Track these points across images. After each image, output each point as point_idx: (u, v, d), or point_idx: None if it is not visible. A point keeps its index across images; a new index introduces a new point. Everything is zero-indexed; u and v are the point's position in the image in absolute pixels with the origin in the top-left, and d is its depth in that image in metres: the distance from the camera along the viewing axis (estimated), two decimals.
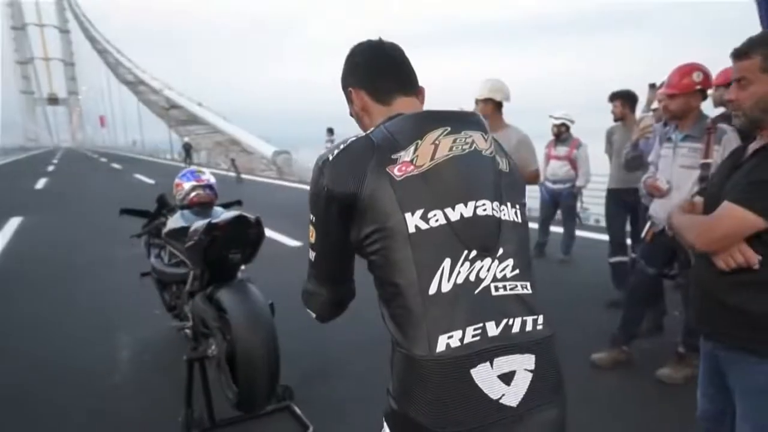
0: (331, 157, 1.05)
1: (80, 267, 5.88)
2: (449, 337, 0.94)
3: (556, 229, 5.98)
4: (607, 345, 3.22)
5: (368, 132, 1.08)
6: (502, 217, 1.04)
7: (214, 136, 31.48)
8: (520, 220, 1.08)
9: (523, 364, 0.98)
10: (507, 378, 0.96)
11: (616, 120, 4.39)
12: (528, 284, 1.04)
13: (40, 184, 17.56)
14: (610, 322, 3.31)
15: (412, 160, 1.01)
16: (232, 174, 17.13)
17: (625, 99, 4.32)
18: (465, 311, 0.96)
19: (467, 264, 0.98)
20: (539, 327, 1.02)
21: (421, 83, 1.21)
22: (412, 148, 1.02)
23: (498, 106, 3.45)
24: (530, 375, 0.98)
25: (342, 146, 1.06)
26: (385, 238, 0.98)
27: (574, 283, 5.00)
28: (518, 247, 1.05)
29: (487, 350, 0.95)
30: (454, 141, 1.04)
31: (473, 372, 0.94)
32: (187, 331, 2.93)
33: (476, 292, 0.98)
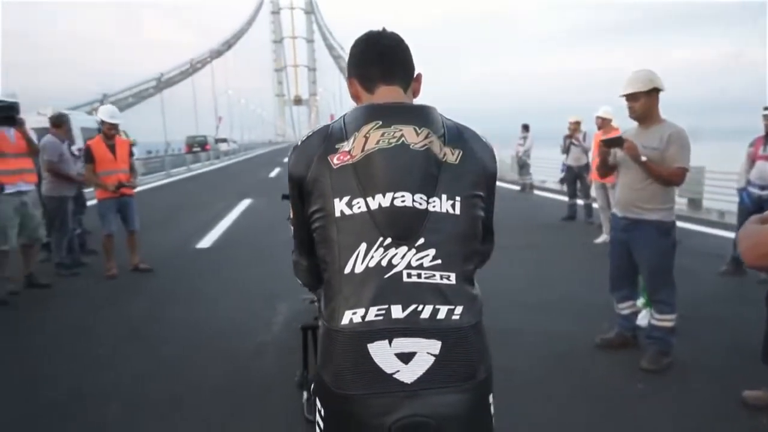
0: (299, 143, 1.18)
1: (271, 245, 6.91)
2: (353, 313, 1.03)
3: None
4: None
5: (332, 121, 1.18)
6: (430, 209, 1.06)
7: None
8: (457, 212, 1.08)
9: (427, 348, 1.02)
10: (405, 357, 1.01)
11: None
12: (452, 275, 1.05)
13: (274, 173, 20.75)
14: None
15: (349, 151, 1.09)
16: None
17: None
18: (372, 292, 1.03)
19: (381, 250, 1.04)
20: (454, 317, 1.04)
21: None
22: (352, 139, 1.10)
23: (651, 98, 3.08)
24: (432, 359, 1.01)
25: (309, 134, 1.18)
26: (322, 218, 1.09)
27: None
28: (447, 239, 1.06)
29: (388, 329, 1.01)
30: (383, 134, 1.09)
31: (370, 346, 1.01)
32: (316, 303, 3.32)
33: (386, 276, 1.03)
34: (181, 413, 2.79)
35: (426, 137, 1.10)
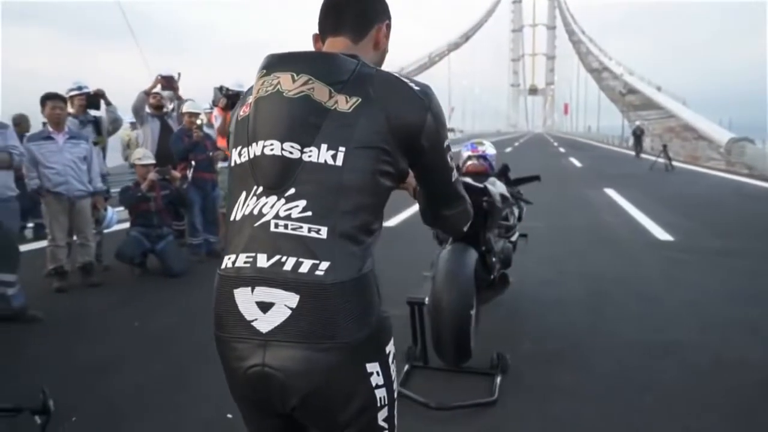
0: None
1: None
2: (228, 259, 1.05)
3: None
4: None
5: None
6: (305, 159, 1.02)
7: (667, 121, 29.14)
8: (338, 164, 1.01)
9: (285, 300, 0.98)
10: (264, 307, 0.99)
11: None
12: (323, 229, 1.00)
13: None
14: None
15: (250, 103, 1.11)
16: (662, 161, 15.70)
17: None
18: (244, 240, 1.04)
19: (254, 198, 1.05)
20: (318, 272, 0.98)
21: None
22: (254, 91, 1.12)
23: None
24: (289, 312, 0.98)
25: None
26: (228, 168, 1.15)
27: None
28: (321, 191, 1.01)
29: (252, 277, 1.00)
30: (263, 83, 1.09)
31: (235, 292, 1.02)
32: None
33: (256, 225, 1.03)
34: None
35: (304, 84, 1.05)
